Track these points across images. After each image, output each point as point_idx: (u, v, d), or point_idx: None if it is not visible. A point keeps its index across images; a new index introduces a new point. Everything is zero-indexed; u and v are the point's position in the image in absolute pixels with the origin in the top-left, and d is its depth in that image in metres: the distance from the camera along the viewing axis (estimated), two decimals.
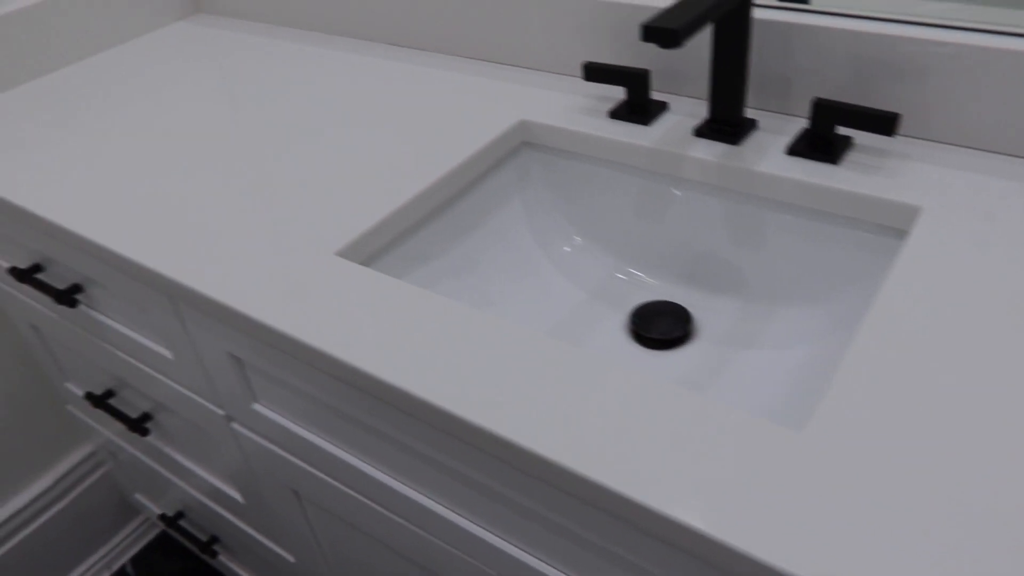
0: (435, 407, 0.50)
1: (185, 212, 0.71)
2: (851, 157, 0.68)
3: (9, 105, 0.96)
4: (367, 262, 0.67)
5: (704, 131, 0.72)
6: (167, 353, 0.78)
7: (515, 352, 0.52)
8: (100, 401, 0.99)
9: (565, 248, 0.80)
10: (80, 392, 1.10)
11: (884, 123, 0.64)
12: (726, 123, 0.72)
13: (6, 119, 0.92)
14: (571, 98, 0.82)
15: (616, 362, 0.53)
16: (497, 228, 0.79)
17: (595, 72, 0.77)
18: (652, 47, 0.79)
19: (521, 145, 0.81)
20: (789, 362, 0.66)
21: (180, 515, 1.18)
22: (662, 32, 0.56)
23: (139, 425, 0.95)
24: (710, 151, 0.71)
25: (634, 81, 0.75)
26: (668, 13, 0.57)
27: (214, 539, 1.15)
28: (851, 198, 0.64)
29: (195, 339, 0.71)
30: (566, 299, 0.77)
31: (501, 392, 0.49)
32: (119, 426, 1.09)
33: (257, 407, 0.72)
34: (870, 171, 0.66)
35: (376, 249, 0.68)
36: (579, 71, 0.85)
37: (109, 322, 0.84)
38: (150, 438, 1.02)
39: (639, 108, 0.77)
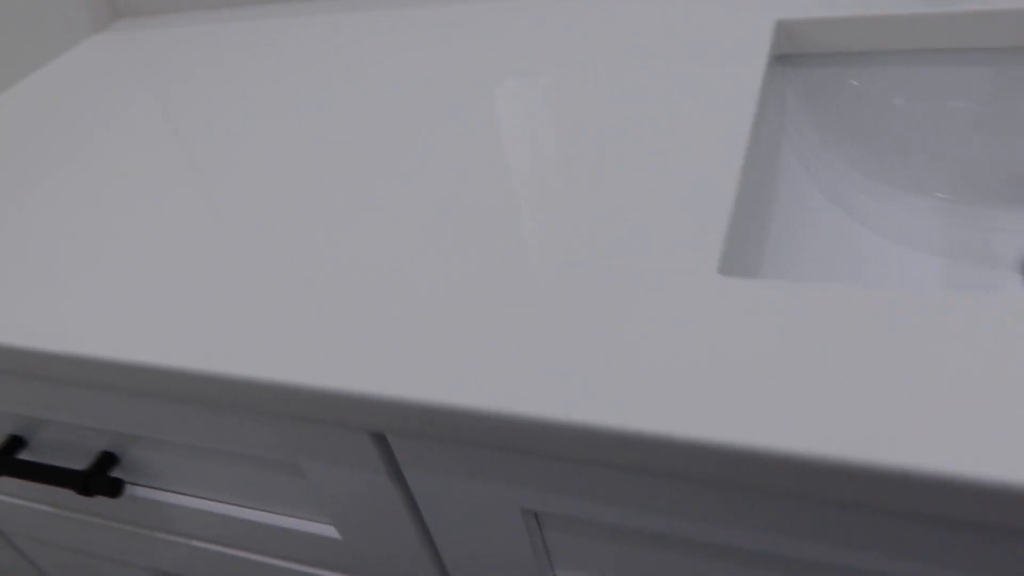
0: None
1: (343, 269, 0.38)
2: None
3: None
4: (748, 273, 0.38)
5: None
6: (332, 532, 0.45)
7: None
8: None
9: (870, 202, 0.53)
10: None
11: None
12: None
13: None
14: None
15: None
16: (785, 194, 0.50)
17: None
18: None
19: (773, 61, 0.53)
20: None
21: None
22: None
23: None
24: None
25: None
26: None
27: None
28: None
29: (419, 492, 0.39)
30: (915, 271, 0.50)
31: None
32: None
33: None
34: None
35: (742, 252, 0.38)
36: None
37: (182, 501, 0.49)
38: None
39: None
